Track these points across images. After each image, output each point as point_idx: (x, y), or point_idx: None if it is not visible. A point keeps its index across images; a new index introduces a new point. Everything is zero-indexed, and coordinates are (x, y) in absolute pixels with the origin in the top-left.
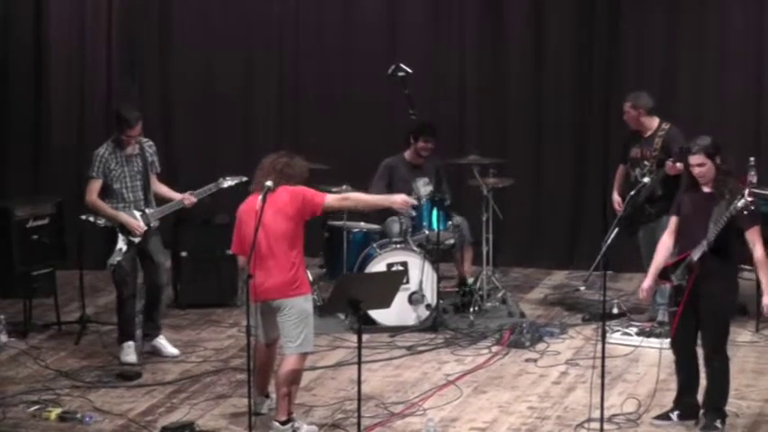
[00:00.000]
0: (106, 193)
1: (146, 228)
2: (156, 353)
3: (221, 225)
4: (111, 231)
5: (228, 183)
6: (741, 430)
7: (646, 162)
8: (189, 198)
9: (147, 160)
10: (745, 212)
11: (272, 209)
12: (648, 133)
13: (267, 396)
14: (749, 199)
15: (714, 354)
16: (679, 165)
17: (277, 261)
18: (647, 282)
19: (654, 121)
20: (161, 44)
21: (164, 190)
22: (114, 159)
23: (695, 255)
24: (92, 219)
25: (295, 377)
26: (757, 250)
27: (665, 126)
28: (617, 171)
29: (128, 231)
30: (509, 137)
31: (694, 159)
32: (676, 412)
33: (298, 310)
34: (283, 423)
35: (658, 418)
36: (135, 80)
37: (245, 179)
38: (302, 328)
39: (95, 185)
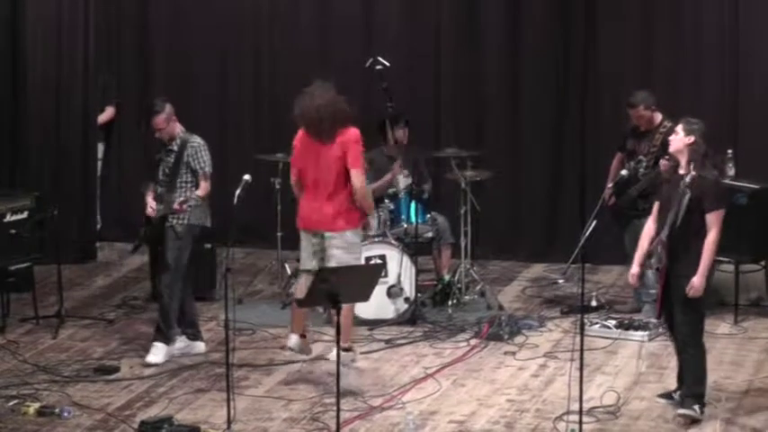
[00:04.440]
0: None
1: (154, 215)
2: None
3: None
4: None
5: (192, 203)
6: (720, 422)
7: (641, 157)
8: (178, 207)
9: (183, 159)
10: (711, 194)
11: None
12: (649, 128)
13: (304, 336)
14: (693, 173)
15: (688, 342)
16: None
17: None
18: (635, 268)
19: (657, 117)
20: (138, 39)
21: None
22: (158, 148)
23: (663, 234)
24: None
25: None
26: (711, 234)
27: (667, 124)
28: (614, 159)
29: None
30: (486, 129)
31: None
32: (679, 392)
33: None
34: (345, 350)
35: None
36: (112, 74)
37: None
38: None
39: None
